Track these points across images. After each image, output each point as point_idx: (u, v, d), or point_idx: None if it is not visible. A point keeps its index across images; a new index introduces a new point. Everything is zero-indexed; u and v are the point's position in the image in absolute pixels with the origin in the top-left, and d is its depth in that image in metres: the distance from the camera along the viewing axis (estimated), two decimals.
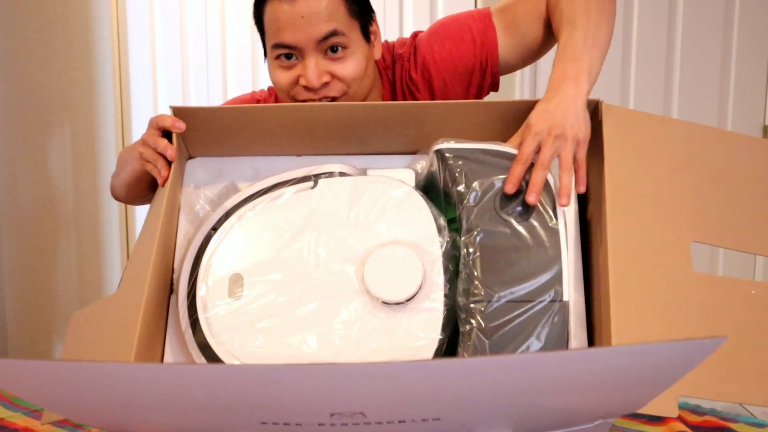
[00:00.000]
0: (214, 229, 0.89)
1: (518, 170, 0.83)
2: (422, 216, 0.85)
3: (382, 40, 1.17)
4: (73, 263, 2.14)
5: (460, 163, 0.84)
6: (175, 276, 0.91)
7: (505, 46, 1.10)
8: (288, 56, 1.05)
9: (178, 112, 0.92)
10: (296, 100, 1.06)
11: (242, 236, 0.88)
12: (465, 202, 0.82)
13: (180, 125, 0.90)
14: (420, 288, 0.82)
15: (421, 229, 0.85)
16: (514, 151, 0.85)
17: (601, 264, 0.83)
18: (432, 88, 1.13)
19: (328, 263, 0.85)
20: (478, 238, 0.81)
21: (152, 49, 2.26)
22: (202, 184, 0.95)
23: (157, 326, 0.88)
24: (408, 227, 0.85)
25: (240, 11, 2.25)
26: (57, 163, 2.09)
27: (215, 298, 0.85)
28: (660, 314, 0.80)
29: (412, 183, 0.90)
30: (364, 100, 1.10)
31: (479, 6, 2.34)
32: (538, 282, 0.78)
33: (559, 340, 0.78)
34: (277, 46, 1.05)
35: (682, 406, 1.17)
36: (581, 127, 0.87)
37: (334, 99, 1.05)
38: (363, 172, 0.93)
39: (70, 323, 0.96)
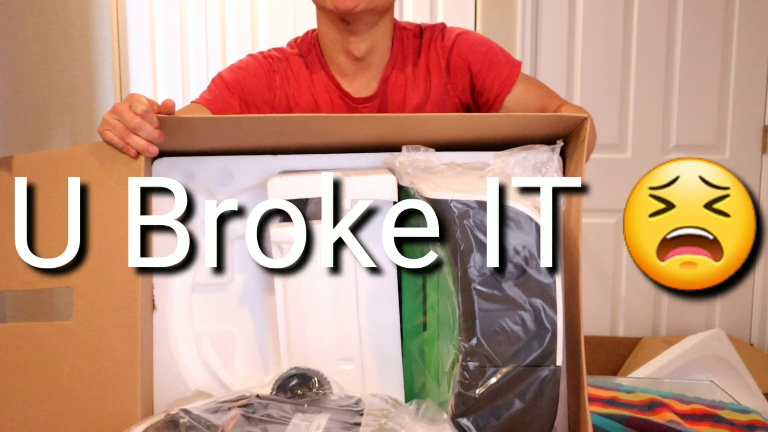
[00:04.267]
0: None
1: None
2: None
3: None
4: None
5: (457, 223, 0.77)
6: (155, 292, 0.89)
7: (516, 90, 1.13)
8: None
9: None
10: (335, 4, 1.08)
11: None
12: (461, 262, 0.76)
13: (153, 150, 0.87)
14: None
15: None
16: (517, 207, 0.77)
17: (575, 319, 0.83)
18: (449, 68, 1.16)
19: None
20: (474, 304, 0.76)
21: (152, 49, 2.26)
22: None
23: (150, 339, 0.88)
24: None
25: (240, 11, 2.25)
26: None
27: None
28: None
29: (395, 189, 0.84)
30: (384, 14, 1.14)
31: (479, 6, 2.34)
32: (531, 346, 0.75)
33: (550, 405, 0.76)
34: None
35: (667, 395, 1.20)
36: None
37: None
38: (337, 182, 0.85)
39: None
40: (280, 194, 0.85)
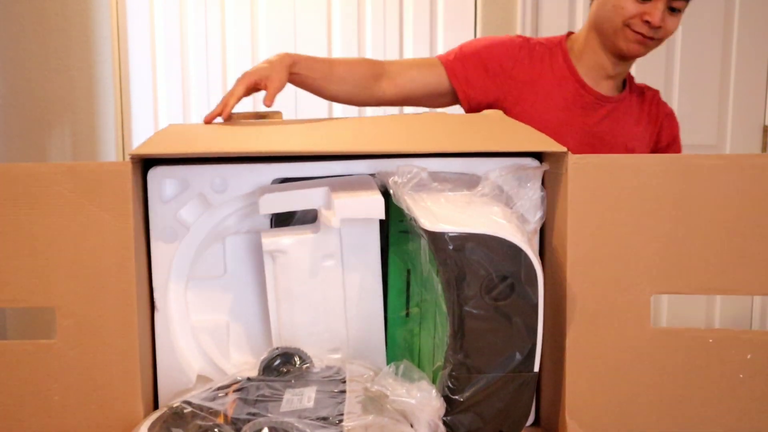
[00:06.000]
0: None
1: None
2: None
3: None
4: None
5: (453, 254, 0.82)
6: (155, 294, 0.92)
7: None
8: None
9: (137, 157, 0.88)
10: (626, 28, 1.30)
11: None
12: (455, 288, 0.82)
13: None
14: None
15: None
16: (507, 238, 0.83)
17: (558, 334, 0.89)
18: (653, 120, 1.44)
19: None
20: (465, 323, 0.82)
21: (152, 49, 2.26)
22: (169, 197, 0.91)
23: (148, 342, 0.91)
24: None
25: (240, 11, 2.25)
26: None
27: None
28: (614, 374, 0.86)
29: (383, 209, 0.87)
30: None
31: (479, 6, 2.34)
32: (513, 357, 0.83)
33: (527, 403, 0.84)
34: None
35: None
36: None
37: (651, 40, 1.30)
38: (326, 197, 0.89)
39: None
40: (271, 209, 0.89)
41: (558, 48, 1.40)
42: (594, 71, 1.38)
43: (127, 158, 0.85)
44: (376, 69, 1.32)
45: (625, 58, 1.36)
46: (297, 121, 1.11)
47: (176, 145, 0.93)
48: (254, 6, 2.26)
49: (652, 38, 1.31)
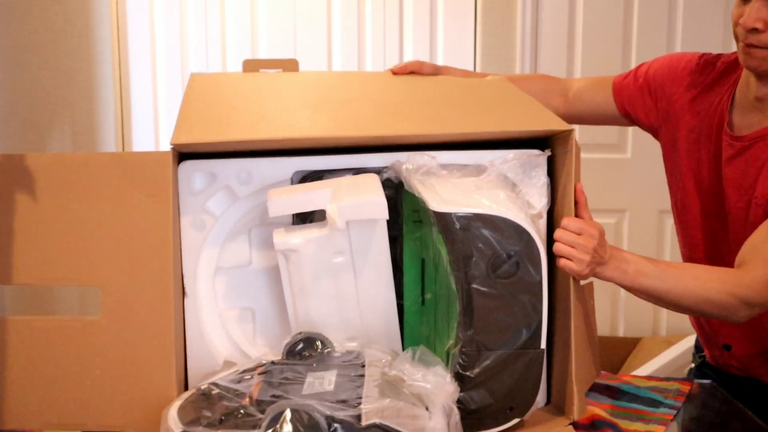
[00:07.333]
0: None
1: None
2: None
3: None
4: None
5: (459, 233, 0.86)
6: (185, 281, 0.97)
7: None
8: None
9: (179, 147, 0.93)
10: (737, 39, 1.09)
11: None
12: (463, 265, 0.86)
13: None
14: None
15: None
16: (510, 218, 0.87)
17: (565, 310, 0.95)
18: None
19: None
20: (473, 300, 0.86)
21: (152, 49, 2.26)
22: (199, 189, 0.97)
23: (180, 326, 0.96)
24: None
25: (240, 11, 2.25)
26: None
27: None
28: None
29: (386, 209, 0.90)
30: None
31: (479, 6, 2.34)
32: (520, 334, 0.87)
33: (535, 381, 0.88)
34: None
35: None
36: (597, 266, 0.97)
37: (761, 49, 1.06)
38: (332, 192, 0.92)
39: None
40: (280, 211, 0.94)
41: (735, 73, 1.19)
42: (744, 96, 1.15)
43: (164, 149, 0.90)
44: (553, 85, 1.32)
45: (761, 78, 1.11)
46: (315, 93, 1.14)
47: (210, 131, 0.96)
48: (254, 6, 2.26)
49: (761, 47, 1.06)
